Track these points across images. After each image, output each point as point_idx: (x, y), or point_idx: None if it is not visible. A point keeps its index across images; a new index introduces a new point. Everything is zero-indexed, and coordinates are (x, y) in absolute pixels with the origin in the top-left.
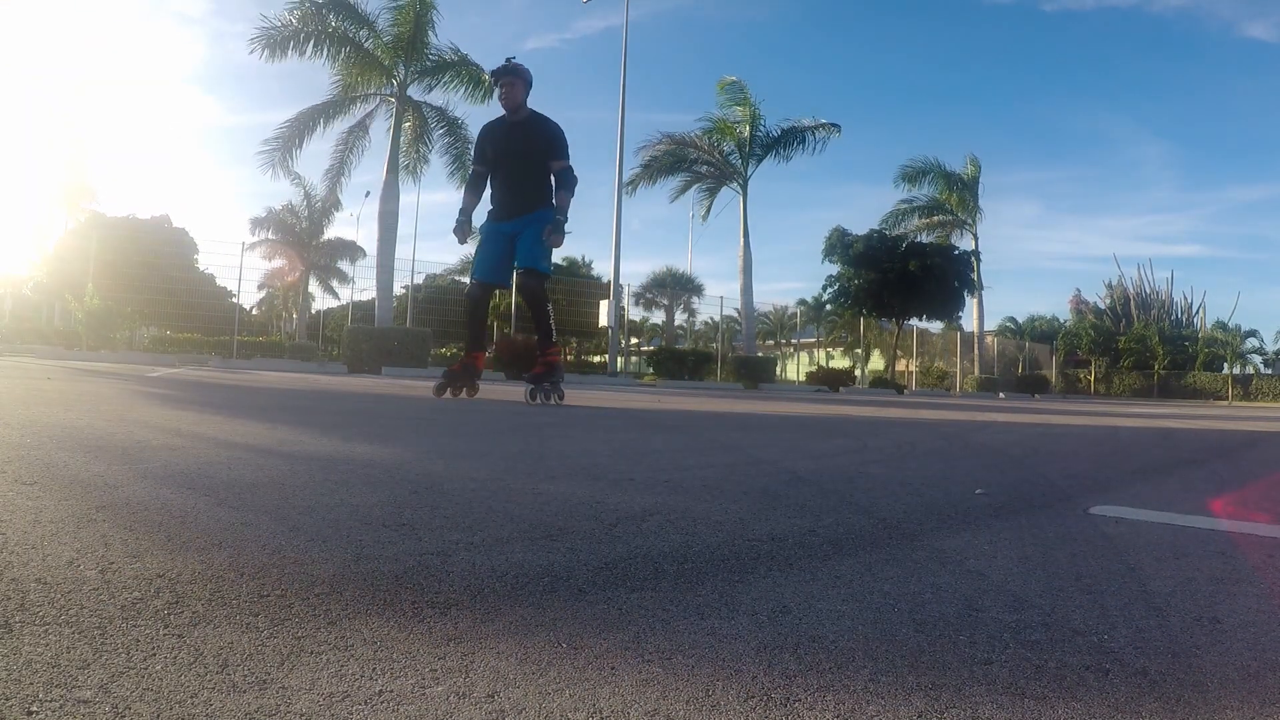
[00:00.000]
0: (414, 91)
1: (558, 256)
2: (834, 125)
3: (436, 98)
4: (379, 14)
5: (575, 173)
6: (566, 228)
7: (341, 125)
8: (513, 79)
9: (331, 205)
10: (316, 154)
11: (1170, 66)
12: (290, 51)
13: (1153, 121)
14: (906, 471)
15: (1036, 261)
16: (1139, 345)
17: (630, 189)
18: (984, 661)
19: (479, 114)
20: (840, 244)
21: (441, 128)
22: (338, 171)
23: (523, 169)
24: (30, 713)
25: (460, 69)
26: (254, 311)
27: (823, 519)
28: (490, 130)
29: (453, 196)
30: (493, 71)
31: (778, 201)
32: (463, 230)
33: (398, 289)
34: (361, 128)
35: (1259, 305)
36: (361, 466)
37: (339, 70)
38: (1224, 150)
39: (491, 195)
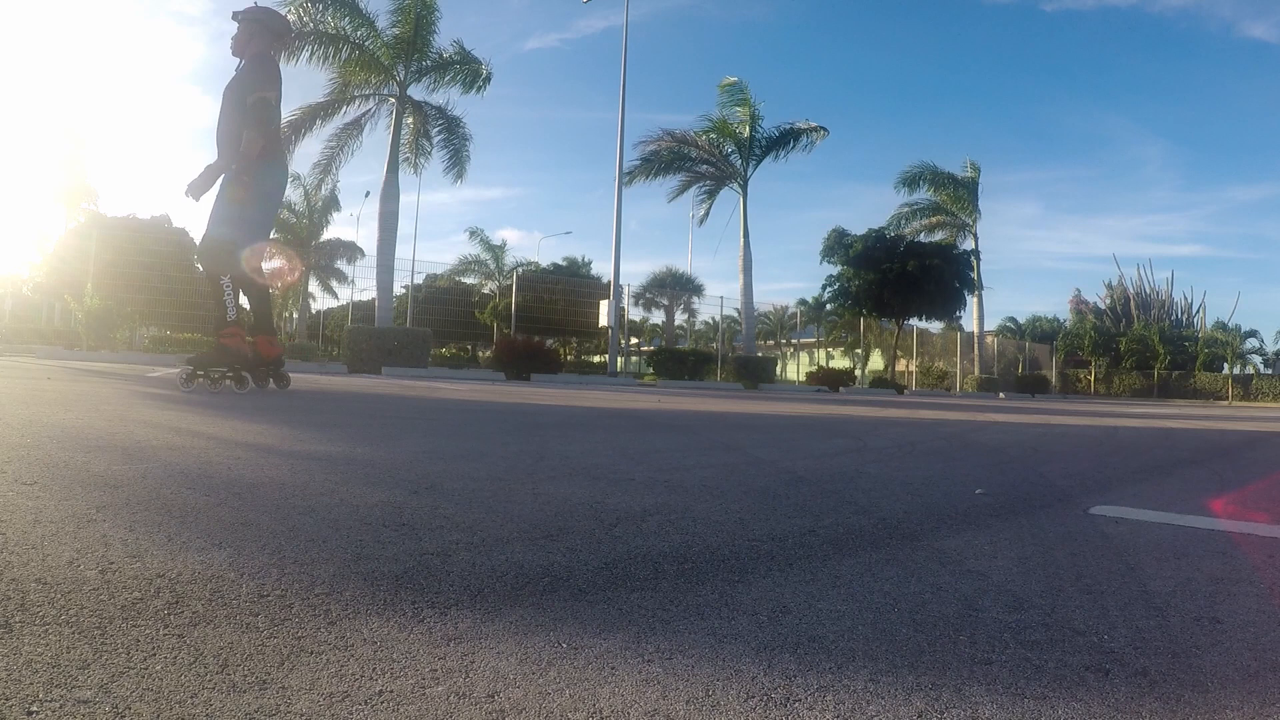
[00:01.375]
0: (414, 91)
1: (557, 255)
2: (822, 128)
3: (437, 96)
4: (379, 14)
5: (272, 106)
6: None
7: (339, 125)
8: (240, 22)
9: (327, 202)
10: (316, 154)
11: (1170, 66)
12: (286, 52)
13: (1153, 121)
14: (906, 471)
15: (1036, 261)
16: (1139, 345)
17: (628, 180)
18: (984, 661)
19: (478, 109)
20: (840, 244)
21: (440, 124)
22: (325, 168)
23: (229, 121)
24: (30, 713)
25: (461, 67)
26: None
27: (823, 519)
28: None
29: (453, 196)
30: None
31: (778, 201)
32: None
33: (398, 289)
34: (356, 125)
35: (1259, 305)
36: (361, 466)
37: (338, 70)
38: (1224, 150)
39: None
